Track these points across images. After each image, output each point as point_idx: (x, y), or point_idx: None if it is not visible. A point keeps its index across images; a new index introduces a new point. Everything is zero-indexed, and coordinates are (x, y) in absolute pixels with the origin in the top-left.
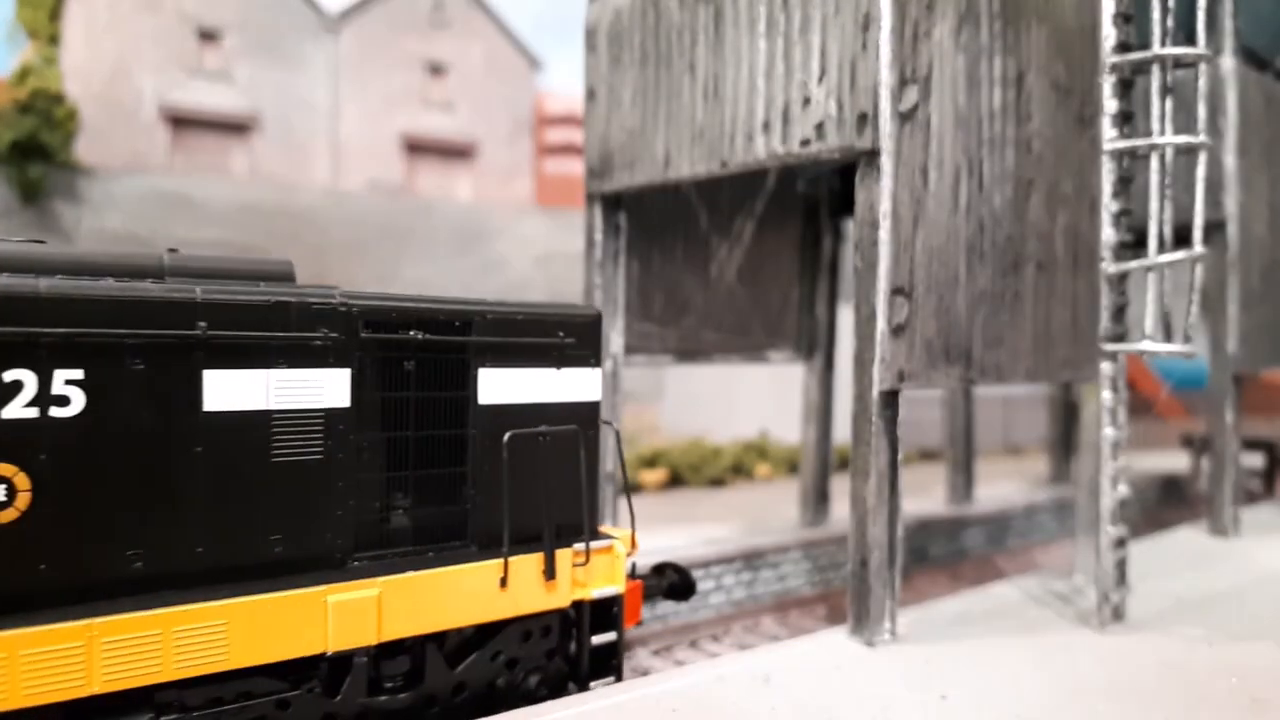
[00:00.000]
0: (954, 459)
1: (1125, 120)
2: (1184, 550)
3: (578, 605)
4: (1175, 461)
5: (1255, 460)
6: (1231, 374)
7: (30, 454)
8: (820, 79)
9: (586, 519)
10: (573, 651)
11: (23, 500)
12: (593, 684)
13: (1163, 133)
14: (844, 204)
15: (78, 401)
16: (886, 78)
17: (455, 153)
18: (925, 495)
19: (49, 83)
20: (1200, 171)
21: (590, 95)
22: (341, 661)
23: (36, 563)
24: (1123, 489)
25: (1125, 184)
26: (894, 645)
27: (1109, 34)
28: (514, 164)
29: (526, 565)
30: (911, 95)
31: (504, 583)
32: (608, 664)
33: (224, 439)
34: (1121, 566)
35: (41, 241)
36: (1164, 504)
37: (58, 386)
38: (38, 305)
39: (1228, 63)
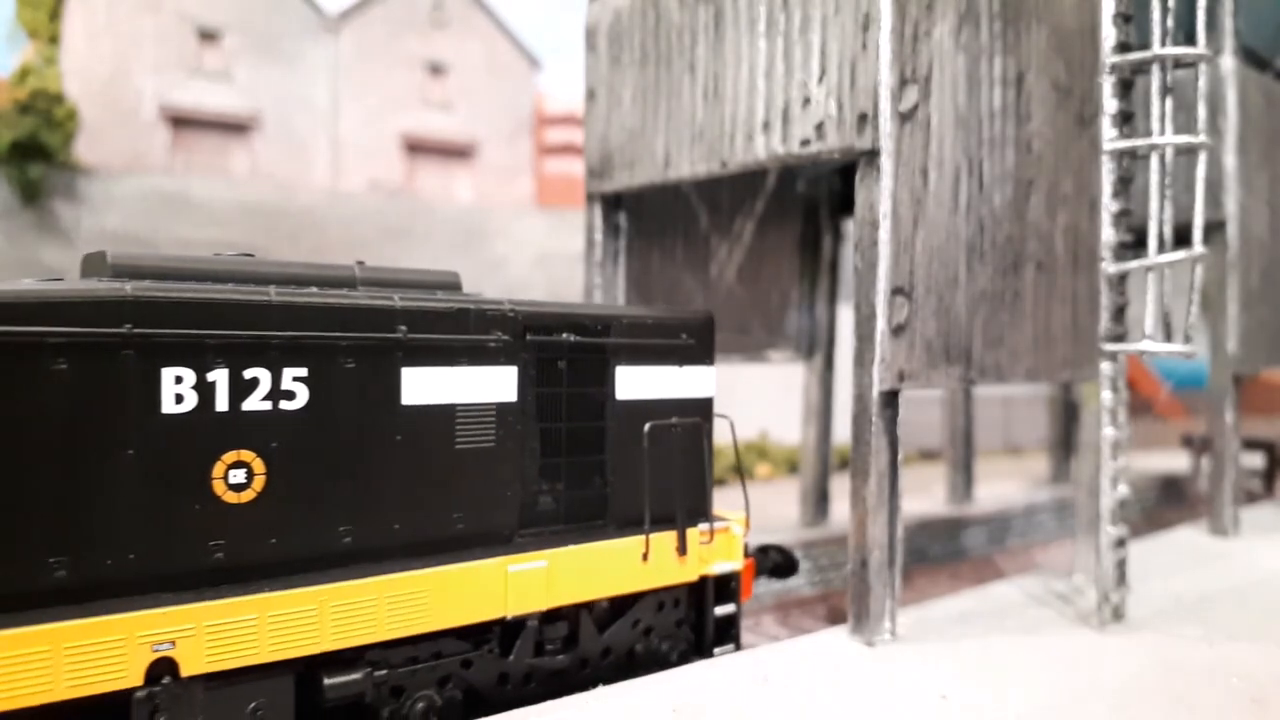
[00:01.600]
0: (954, 459)
1: (1125, 120)
2: (1184, 550)
3: (703, 579)
4: (1175, 461)
5: (1255, 460)
6: (1231, 374)
7: (265, 442)
8: (820, 79)
9: (709, 502)
10: (690, 620)
11: (259, 483)
12: (715, 650)
13: (1163, 133)
14: (844, 204)
15: (302, 396)
16: (886, 78)
17: (455, 153)
18: (925, 495)
19: (49, 83)
20: (1200, 171)
21: (590, 95)
22: (512, 626)
23: (269, 537)
24: (1123, 489)
25: (1125, 184)
26: (894, 645)
27: (1109, 34)
28: (514, 164)
29: (662, 542)
30: (911, 95)
31: (645, 557)
32: (727, 633)
33: (418, 429)
34: (1121, 566)
35: (251, 255)
36: (1164, 504)
37: (286, 382)
38: (270, 312)
39: (1228, 63)
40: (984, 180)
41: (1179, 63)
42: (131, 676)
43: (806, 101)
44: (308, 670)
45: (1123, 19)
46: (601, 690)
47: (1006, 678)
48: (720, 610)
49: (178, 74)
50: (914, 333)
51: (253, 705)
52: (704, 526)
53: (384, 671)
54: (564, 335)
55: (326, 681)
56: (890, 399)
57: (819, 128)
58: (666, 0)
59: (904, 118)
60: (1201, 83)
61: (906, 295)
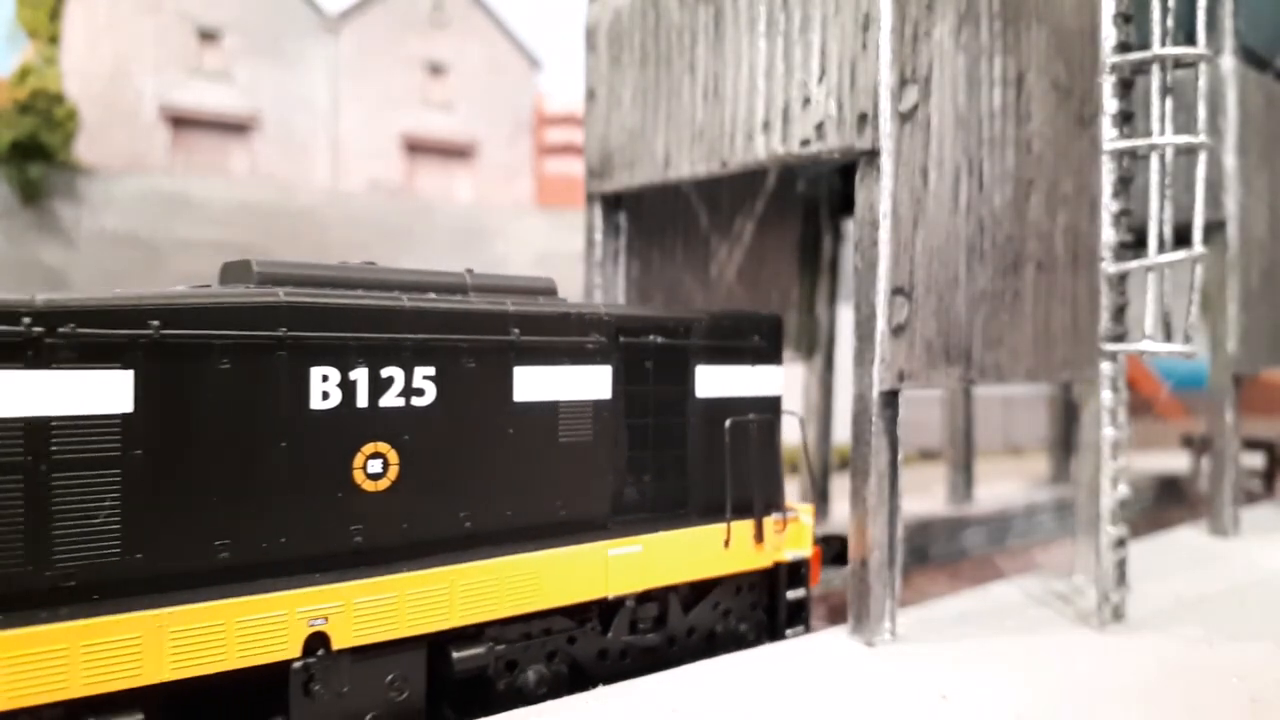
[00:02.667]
0: (954, 459)
1: (1125, 120)
2: (1184, 550)
3: (776, 565)
4: (1175, 461)
5: (1255, 460)
6: (1231, 374)
7: (398, 435)
8: (820, 79)
9: (782, 494)
10: (763, 604)
11: (393, 472)
12: (787, 632)
13: (1163, 133)
14: (844, 204)
15: (430, 393)
16: (886, 78)
17: (455, 153)
18: (925, 495)
19: (49, 83)
20: (1200, 171)
21: (590, 95)
22: (610, 605)
23: (401, 522)
24: (1123, 489)
25: (1125, 184)
26: (894, 645)
27: (1109, 34)
28: (514, 164)
29: (741, 530)
30: (911, 95)
31: (727, 544)
32: (797, 616)
33: (528, 424)
34: (1121, 566)
35: (373, 263)
36: (1164, 504)
37: (417, 381)
38: (403, 316)
39: (1228, 63)
40: (984, 180)
41: (1179, 63)
42: (291, 649)
43: (806, 101)
44: (437, 644)
45: (1123, 19)
46: (601, 690)
47: (1006, 678)
48: (792, 594)
49: (178, 74)
50: (914, 333)
51: (390, 676)
52: (777, 516)
53: (502, 646)
54: (651, 337)
55: (455, 655)
56: (890, 399)
57: (819, 128)
58: (666, 0)
59: (904, 118)
60: (1201, 83)
61: (906, 295)
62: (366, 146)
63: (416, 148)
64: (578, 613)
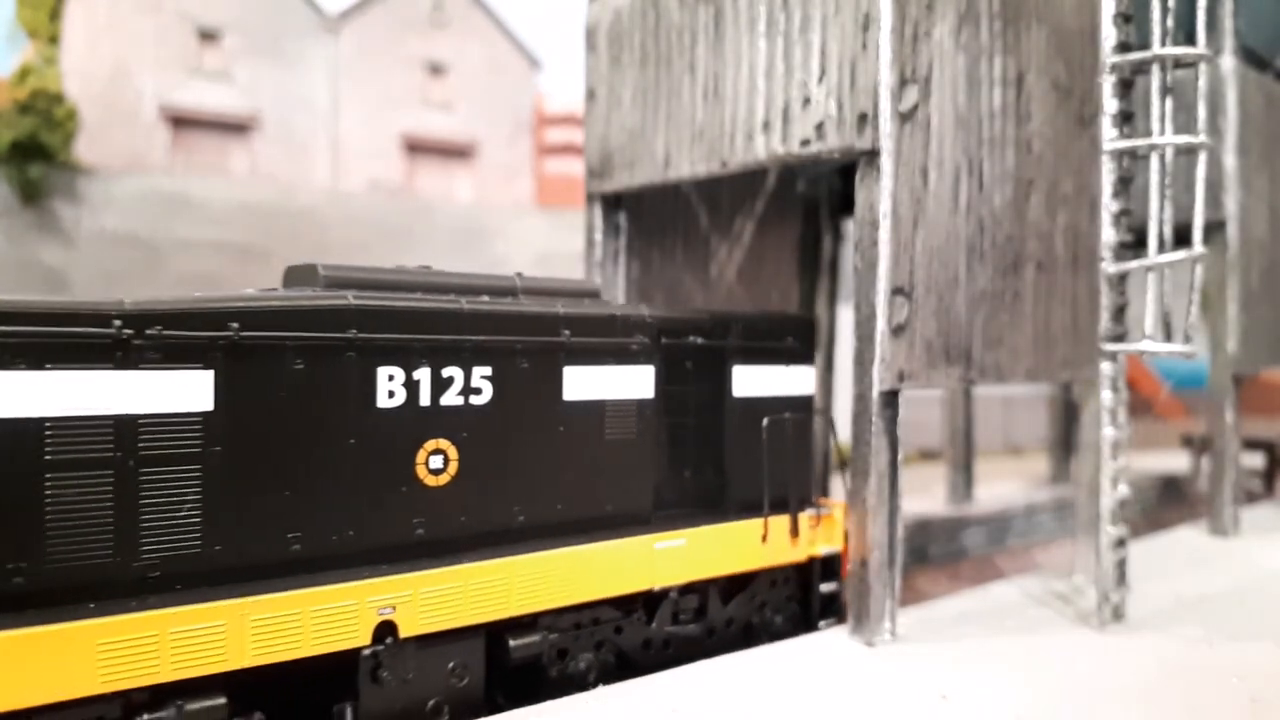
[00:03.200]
0: (954, 459)
1: (1125, 120)
2: (1184, 550)
3: (810, 559)
4: (1175, 461)
5: (1255, 460)
6: (1231, 374)
7: (458, 432)
8: (820, 79)
9: (815, 490)
10: (797, 596)
11: (453, 468)
12: (820, 623)
13: (1163, 133)
14: (844, 204)
15: (487, 392)
16: (886, 78)
17: (455, 153)
18: (925, 495)
19: (49, 83)
20: (1200, 171)
21: (590, 95)
22: (654, 597)
23: (460, 515)
24: (1123, 489)
25: (1125, 184)
26: (894, 645)
27: (1109, 34)
28: (514, 164)
29: (777, 525)
30: (911, 95)
31: (765, 538)
32: (830, 608)
33: (577, 422)
34: (1121, 566)
35: (429, 267)
36: (1164, 504)
37: (475, 380)
38: (463, 319)
39: (1228, 63)
40: (984, 180)
41: (1179, 63)
42: (362, 636)
43: (806, 101)
44: (494, 633)
45: (1123, 19)
46: (601, 690)
47: (1006, 678)
48: (825, 587)
49: (178, 74)
50: (914, 333)
51: (451, 664)
52: (812, 512)
53: (554, 635)
54: (691, 338)
55: (512, 643)
56: (890, 399)
57: (819, 128)
58: (666, 0)
59: (904, 118)
60: (1201, 83)
61: (906, 295)
62: (366, 146)
63: (416, 148)
64: (624, 603)
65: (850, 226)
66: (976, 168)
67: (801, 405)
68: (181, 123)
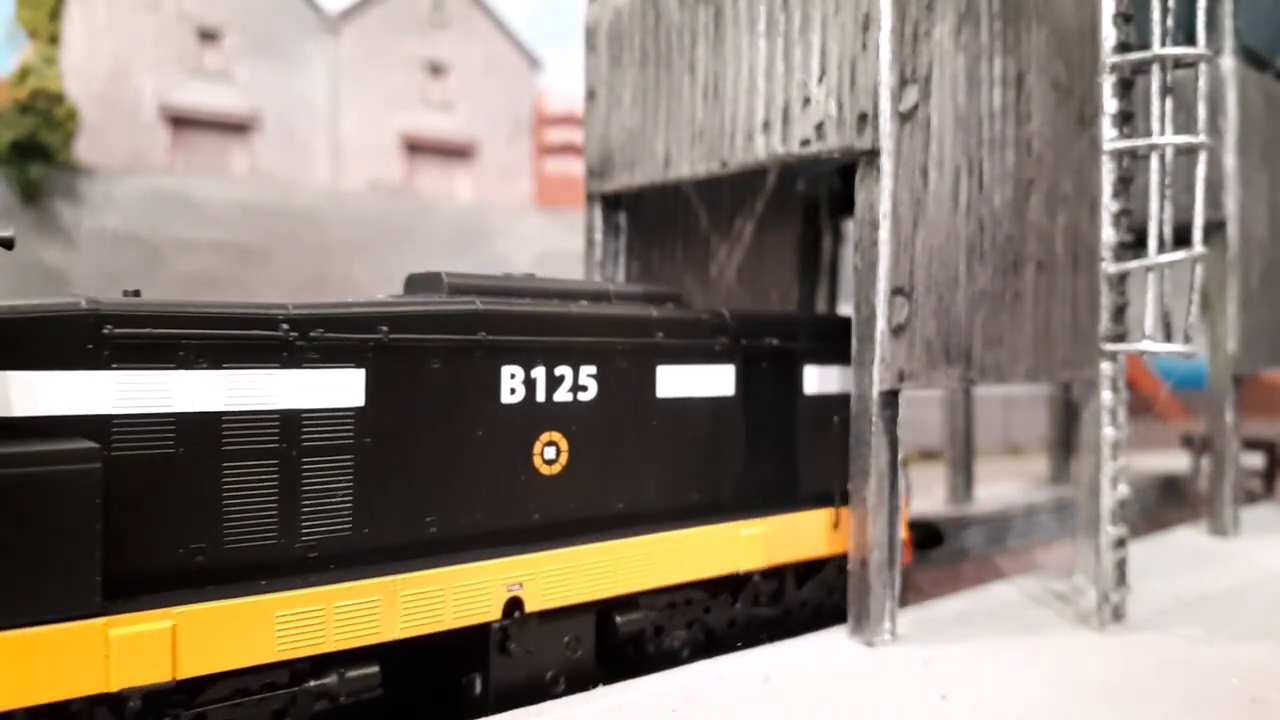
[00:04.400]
0: (954, 459)
1: (1125, 120)
2: (1184, 550)
3: None
4: (1175, 461)
5: (1255, 460)
6: (1231, 374)
7: (568, 425)
8: (820, 79)
9: None
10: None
11: (564, 458)
12: None
13: (1163, 133)
14: (844, 204)
15: (592, 389)
16: (886, 78)
17: (455, 153)
18: (925, 495)
19: (49, 83)
20: (1200, 171)
21: (590, 95)
22: (738, 580)
23: (569, 502)
24: (1123, 489)
25: (1125, 184)
26: (894, 645)
27: (1109, 34)
28: (514, 164)
29: (846, 515)
30: (911, 95)
31: (836, 526)
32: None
33: (668, 417)
34: (1121, 566)
35: (532, 275)
36: (1164, 504)
37: (582, 378)
38: (572, 321)
39: (1228, 63)
40: (984, 180)
41: (1179, 63)
42: (493, 611)
43: (806, 101)
44: (602, 611)
45: (1123, 19)
46: (601, 690)
47: (1006, 678)
48: None
49: (178, 74)
50: (914, 333)
51: (567, 638)
52: None
53: (653, 613)
54: (768, 339)
55: (619, 619)
56: (890, 399)
57: (819, 128)
58: (666, 0)
59: (904, 118)
60: (1201, 83)
61: (906, 295)
62: (366, 146)
63: (416, 148)
64: (712, 586)
65: (850, 226)
66: (976, 168)
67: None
68: (181, 123)
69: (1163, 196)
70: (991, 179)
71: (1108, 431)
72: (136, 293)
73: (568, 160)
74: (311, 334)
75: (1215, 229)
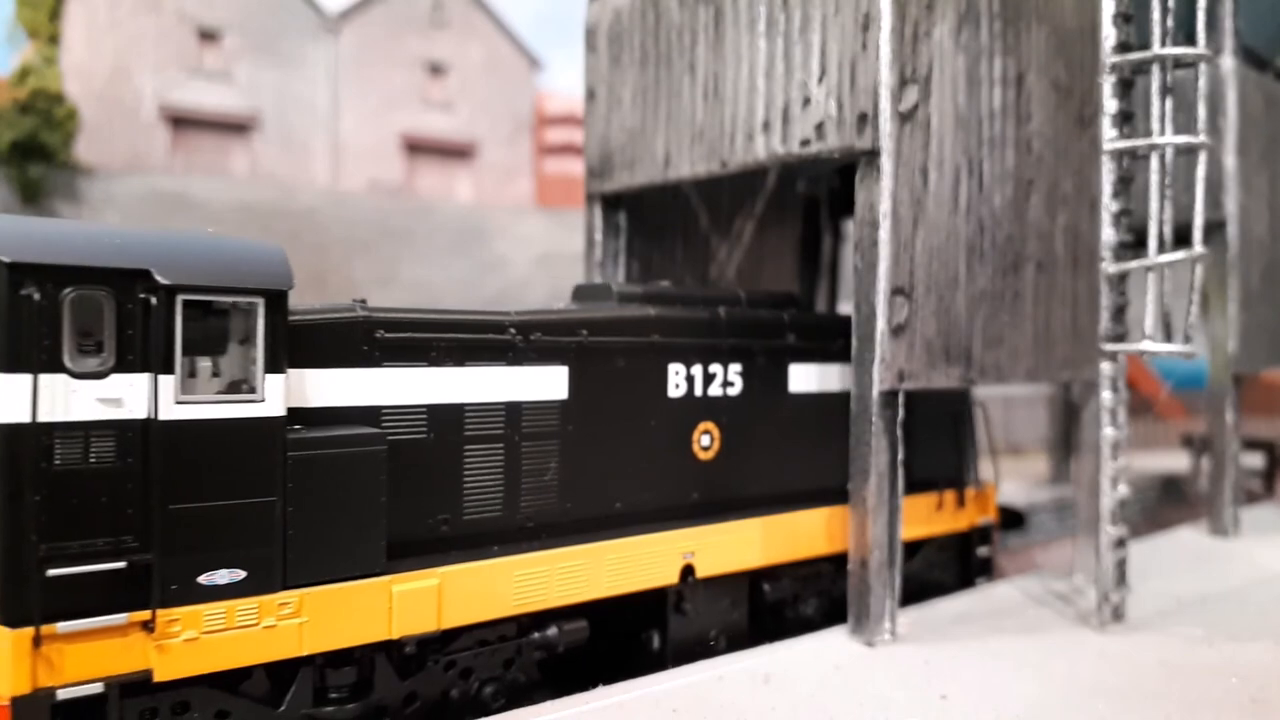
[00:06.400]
0: None
1: (1125, 120)
2: (1184, 550)
3: (971, 527)
4: (1175, 461)
5: (1255, 460)
6: (1231, 374)
7: (719, 417)
8: (820, 79)
9: (977, 469)
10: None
11: (715, 445)
12: (977, 580)
13: (1163, 133)
14: (844, 204)
15: (738, 385)
16: (886, 78)
17: (455, 153)
18: None
19: (49, 83)
20: (1200, 171)
21: (590, 95)
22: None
23: (718, 484)
24: (1123, 489)
25: (1125, 184)
26: (894, 645)
27: (1109, 34)
28: (514, 164)
29: (949, 498)
30: (911, 95)
31: (940, 507)
32: (984, 569)
33: (798, 410)
34: (1121, 566)
35: (670, 284)
36: (1164, 504)
37: (730, 375)
38: (722, 325)
39: (1228, 63)
40: (984, 180)
41: (1179, 63)
42: (672, 576)
43: (806, 101)
44: (752, 580)
45: (1123, 19)
46: (601, 689)
47: (1006, 678)
48: (981, 551)
49: (178, 74)
50: (914, 333)
51: (727, 601)
52: (973, 488)
53: (793, 583)
54: None
55: (766, 587)
56: (890, 399)
57: (819, 128)
58: (666, 0)
59: (904, 118)
60: (1201, 83)
61: (906, 295)
62: (366, 146)
63: (416, 148)
64: (838, 560)
65: (850, 226)
66: (976, 168)
67: (964, 398)
68: (181, 122)
69: (1163, 196)
70: (991, 179)
71: (1108, 431)
72: (363, 301)
73: (568, 160)
74: (531, 336)
75: (1215, 229)
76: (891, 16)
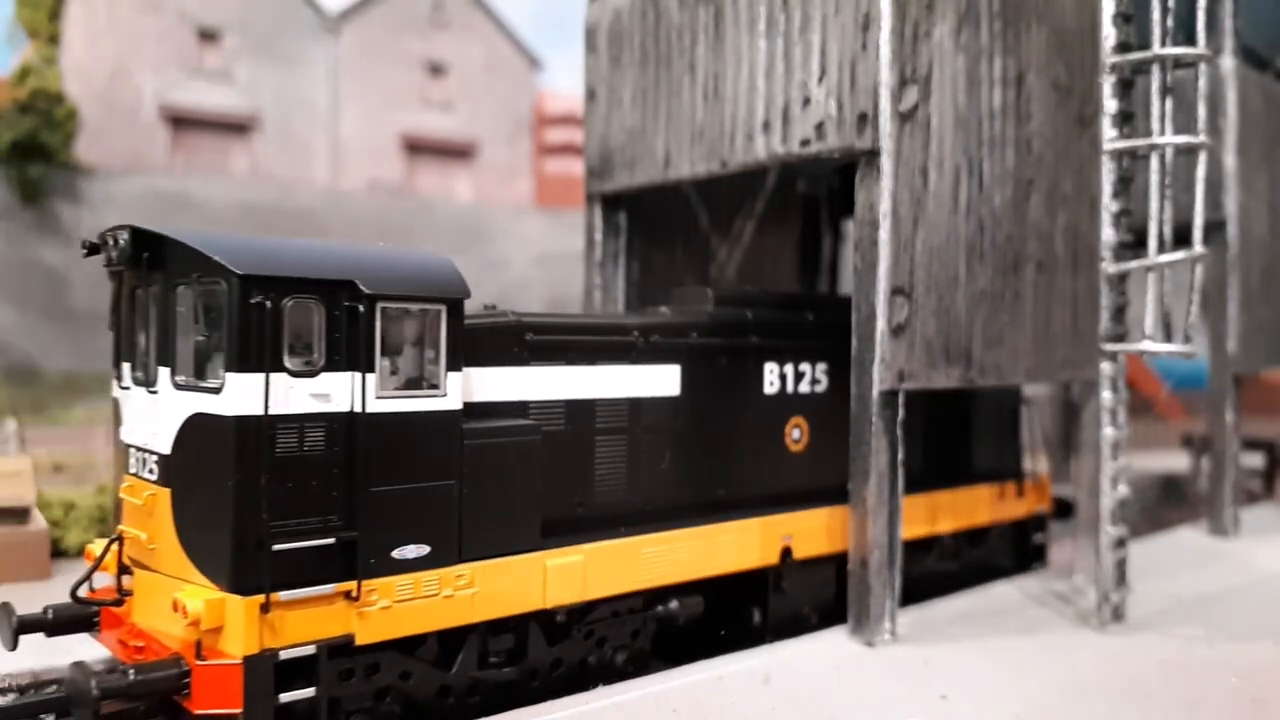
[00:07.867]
0: None
1: (1125, 120)
2: (1184, 550)
3: (1028, 516)
4: (1175, 461)
5: (1255, 460)
6: (1231, 374)
7: (808, 412)
8: (820, 79)
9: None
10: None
11: (804, 439)
12: (1033, 565)
13: (1163, 133)
14: (844, 204)
15: (824, 383)
16: (886, 78)
17: (455, 153)
18: None
19: (49, 83)
20: (1200, 171)
21: (590, 95)
22: (930, 540)
23: (807, 474)
24: (1123, 489)
25: (1125, 184)
26: (894, 645)
27: (1109, 34)
28: (514, 164)
29: (1008, 488)
30: (911, 95)
31: (1000, 497)
32: (1040, 556)
33: None
34: (1121, 566)
35: (762, 289)
36: (1164, 504)
37: (818, 374)
38: (809, 328)
39: (1228, 63)
40: (984, 180)
41: (1179, 63)
42: (773, 556)
43: (806, 101)
44: (839, 562)
45: (1123, 19)
46: (601, 690)
47: (1006, 678)
48: (1037, 539)
49: (178, 74)
50: (914, 333)
51: (818, 580)
52: (1030, 478)
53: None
54: None
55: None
56: (890, 399)
57: (819, 128)
58: (666, 0)
59: (904, 118)
60: (1201, 83)
61: (906, 295)
62: (366, 146)
63: (416, 148)
64: (909, 546)
65: (850, 226)
66: (976, 168)
67: (1017, 395)
68: (181, 123)
69: (1163, 196)
70: (991, 179)
71: (1108, 431)
72: (493, 306)
73: (568, 160)
74: (651, 338)
75: (1215, 229)
76: (891, 16)
